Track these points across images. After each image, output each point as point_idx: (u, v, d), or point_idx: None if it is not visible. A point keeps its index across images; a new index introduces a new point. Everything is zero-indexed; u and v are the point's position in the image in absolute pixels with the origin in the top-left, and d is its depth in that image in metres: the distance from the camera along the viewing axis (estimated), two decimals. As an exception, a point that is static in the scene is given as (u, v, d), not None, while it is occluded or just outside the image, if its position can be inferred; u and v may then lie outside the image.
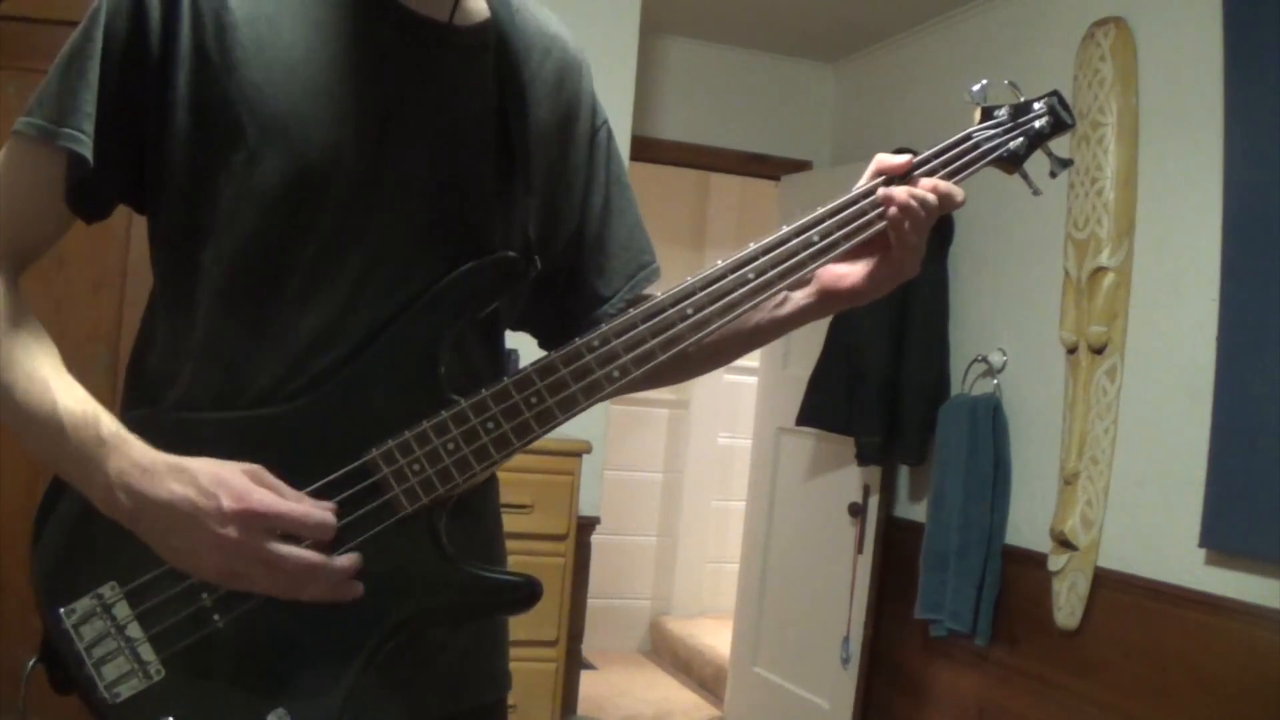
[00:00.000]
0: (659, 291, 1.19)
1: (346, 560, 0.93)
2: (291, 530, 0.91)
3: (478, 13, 1.05)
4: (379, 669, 0.97)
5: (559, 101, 1.11)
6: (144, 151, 0.96)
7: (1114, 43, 2.84)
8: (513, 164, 1.04)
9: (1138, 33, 2.82)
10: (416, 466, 0.96)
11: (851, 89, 4.27)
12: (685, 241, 5.53)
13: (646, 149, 4.03)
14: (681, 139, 4.20)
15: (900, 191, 1.02)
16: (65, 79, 0.93)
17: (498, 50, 1.05)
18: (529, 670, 2.89)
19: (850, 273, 1.06)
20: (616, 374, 0.99)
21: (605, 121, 1.17)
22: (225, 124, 0.94)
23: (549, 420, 0.98)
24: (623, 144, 3.39)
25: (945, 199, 1.04)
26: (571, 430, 3.10)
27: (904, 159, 1.06)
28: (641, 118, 3.84)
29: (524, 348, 1.25)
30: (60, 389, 0.92)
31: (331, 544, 0.94)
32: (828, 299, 1.08)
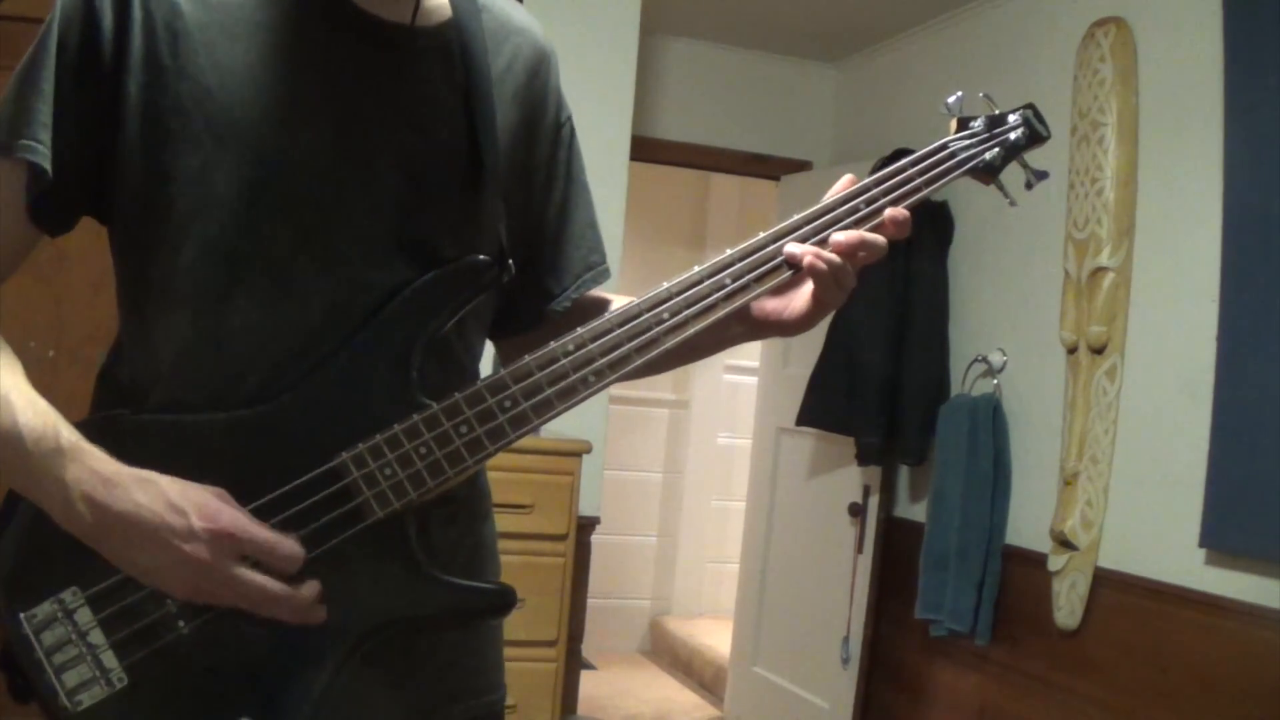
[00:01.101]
0: (610, 294, 1.20)
1: (310, 590, 0.92)
2: (259, 557, 0.90)
3: (439, 13, 1.04)
4: (356, 678, 0.96)
5: (526, 97, 1.10)
6: (103, 162, 0.95)
7: (1114, 43, 2.84)
8: (480, 166, 1.04)
9: (1138, 33, 2.83)
10: (388, 470, 0.94)
11: (851, 89, 4.27)
12: (685, 241, 5.53)
13: (646, 149, 4.02)
14: (681, 139, 4.20)
15: (807, 255, 1.00)
16: (20, 92, 0.93)
17: (462, 51, 1.04)
18: (529, 670, 2.89)
19: (781, 307, 1.05)
20: (592, 379, 0.98)
21: (569, 118, 1.17)
22: (179, 130, 0.93)
23: (523, 424, 0.97)
24: (622, 144, 3.39)
25: (871, 249, 1.02)
26: (571, 430, 3.11)
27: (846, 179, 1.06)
28: (641, 118, 3.83)
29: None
30: (18, 402, 0.90)
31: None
32: (759, 328, 1.07)
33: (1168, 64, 2.74)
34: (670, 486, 5.57)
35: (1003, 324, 3.29)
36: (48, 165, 0.92)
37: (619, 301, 1.15)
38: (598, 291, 1.19)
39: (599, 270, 1.19)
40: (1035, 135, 1.11)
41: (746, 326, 1.07)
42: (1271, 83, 2.41)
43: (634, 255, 4.91)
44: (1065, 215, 2.93)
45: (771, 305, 1.04)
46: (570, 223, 1.17)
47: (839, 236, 1.01)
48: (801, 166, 4.32)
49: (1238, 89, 2.51)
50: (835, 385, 3.59)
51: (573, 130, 1.17)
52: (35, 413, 0.90)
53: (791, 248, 1.01)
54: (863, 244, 1.01)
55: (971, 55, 3.55)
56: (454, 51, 1.04)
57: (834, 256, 1.00)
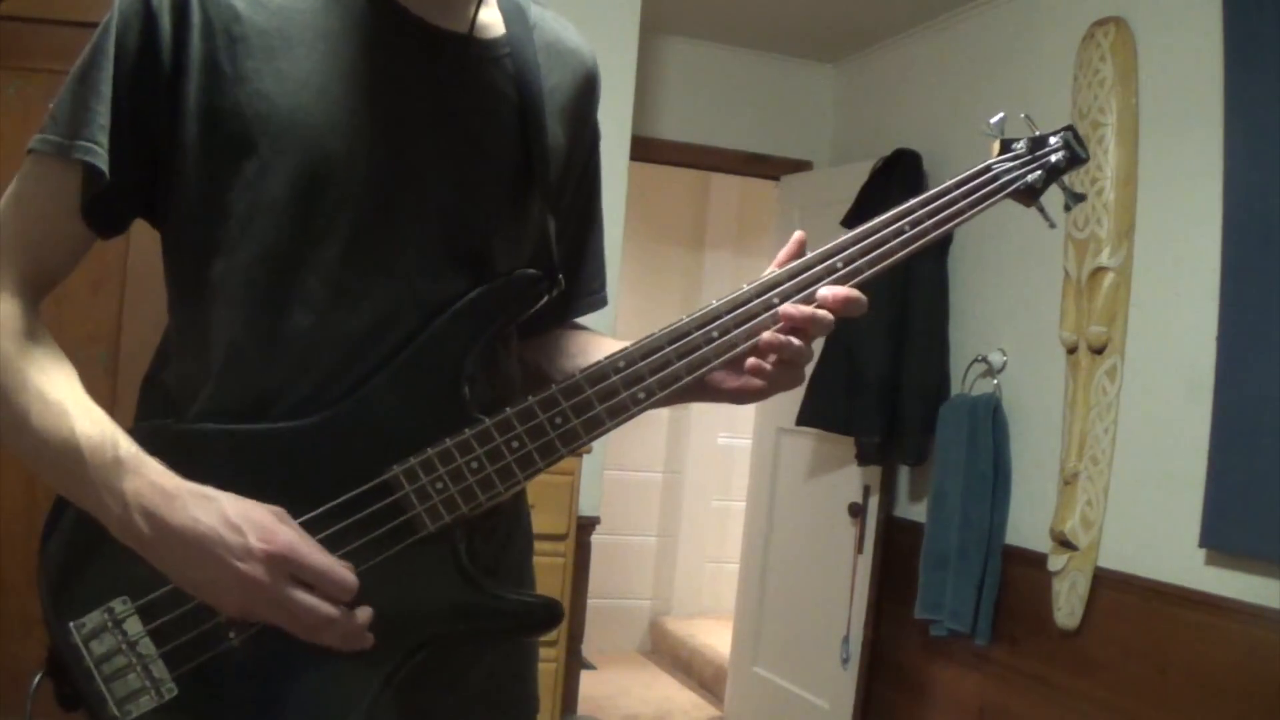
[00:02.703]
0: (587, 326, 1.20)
1: (364, 615, 0.91)
2: (313, 582, 0.89)
3: (493, 27, 1.05)
4: (402, 691, 0.96)
5: (571, 117, 1.11)
6: (157, 165, 0.95)
7: (1114, 43, 2.84)
8: (531, 179, 1.04)
9: (1138, 33, 2.83)
10: (439, 484, 0.95)
11: (851, 89, 4.27)
12: (685, 241, 5.53)
13: (646, 149, 4.02)
14: (681, 139, 4.20)
15: (791, 309, 0.98)
16: (78, 94, 0.93)
17: (515, 66, 1.04)
18: (529, 670, 2.89)
19: (728, 379, 1.02)
20: (642, 395, 0.98)
21: (599, 136, 1.18)
22: (237, 134, 0.93)
23: (573, 440, 0.97)
24: (623, 144, 3.39)
25: (848, 305, 1.00)
26: (571, 430, 3.10)
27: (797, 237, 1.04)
28: (641, 118, 3.84)
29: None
30: (76, 412, 0.90)
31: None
32: (704, 391, 1.03)
33: (1168, 64, 2.74)
34: (670, 486, 5.57)
35: (1003, 324, 3.29)
36: (105, 167, 0.92)
37: (595, 335, 1.16)
38: (583, 321, 1.19)
39: (595, 298, 1.19)
40: (1075, 157, 1.10)
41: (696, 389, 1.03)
42: (1271, 83, 2.41)
43: (634, 255, 4.91)
44: (1065, 215, 2.93)
45: (720, 375, 1.01)
46: (584, 244, 1.18)
47: (825, 292, 0.99)
48: (801, 166, 4.32)
49: (1238, 89, 2.51)
50: (835, 385, 3.59)
51: (599, 150, 1.18)
52: (92, 422, 0.90)
53: (787, 307, 0.99)
54: (850, 301, 1.00)
55: (971, 55, 3.55)
56: (508, 66, 1.04)
57: (819, 312, 0.98)
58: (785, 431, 4.10)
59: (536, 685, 1.15)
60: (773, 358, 0.99)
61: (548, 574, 2.92)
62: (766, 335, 0.99)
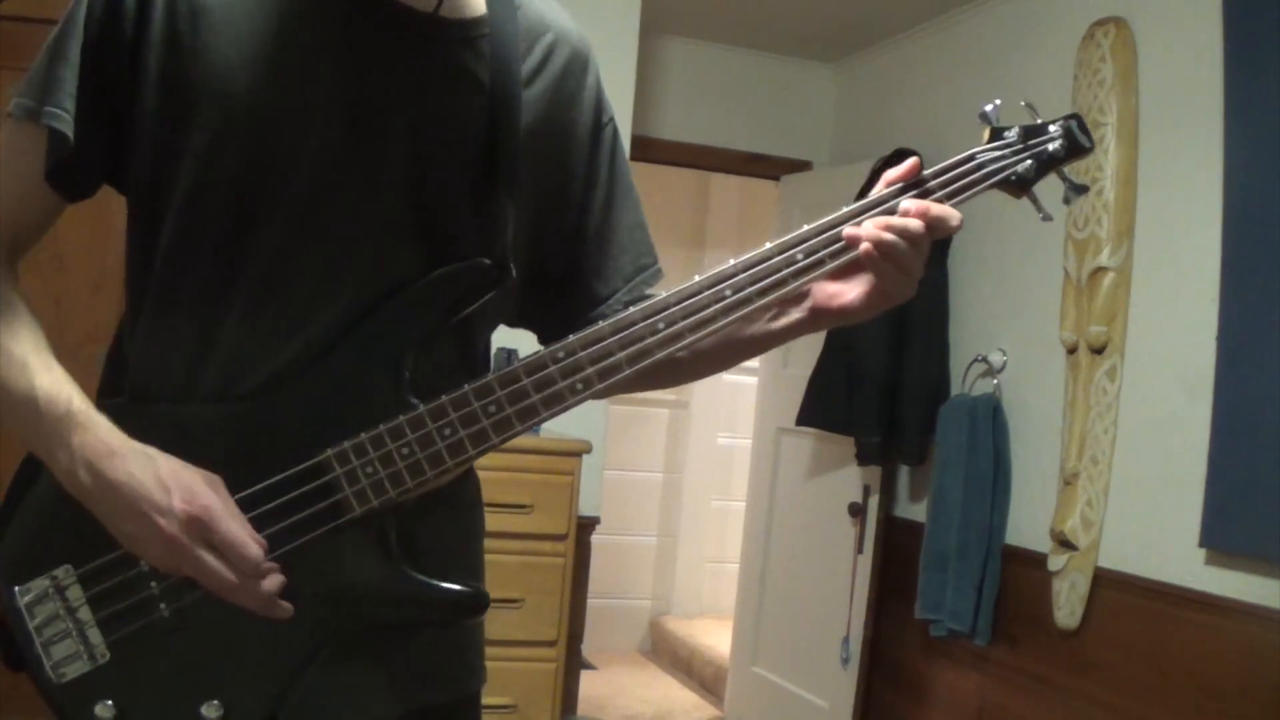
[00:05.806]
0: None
1: (270, 583, 0.93)
2: (220, 549, 0.92)
3: (471, 7, 1.04)
4: (329, 667, 0.97)
5: (556, 98, 1.09)
6: (122, 132, 0.97)
7: (1114, 43, 2.84)
8: (497, 165, 1.03)
9: (1138, 33, 2.83)
10: (370, 469, 0.96)
11: (851, 89, 4.27)
12: (685, 241, 5.53)
13: (646, 149, 4.03)
14: (681, 139, 4.20)
15: (866, 229, 0.97)
16: (50, 62, 0.96)
17: (493, 46, 1.03)
18: (529, 670, 2.89)
19: (843, 291, 1.03)
20: (580, 386, 0.98)
21: (612, 119, 1.15)
22: (192, 105, 0.95)
23: (507, 429, 0.97)
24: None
25: (937, 224, 0.99)
26: (571, 430, 3.11)
27: (911, 162, 1.02)
28: (641, 118, 3.84)
29: (523, 345, 1.24)
30: (37, 367, 0.93)
31: (274, 543, 0.95)
32: (819, 316, 1.05)
33: (1168, 64, 2.74)
34: (670, 486, 5.57)
35: (1003, 324, 3.29)
36: (70, 132, 0.94)
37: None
38: (654, 291, 1.16)
39: (651, 272, 1.17)
40: (1076, 147, 1.04)
41: (807, 316, 1.05)
42: (1271, 83, 2.41)
43: (634, 255, 4.90)
44: (1065, 215, 2.93)
45: (833, 287, 1.03)
46: (615, 225, 1.15)
47: (909, 204, 0.99)
48: (801, 166, 4.32)
49: (1238, 89, 2.51)
50: (835, 385, 3.59)
51: (615, 132, 1.15)
52: (51, 379, 0.93)
53: (850, 231, 0.99)
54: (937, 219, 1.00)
55: (971, 55, 3.55)
56: (484, 48, 1.03)
57: (885, 236, 0.98)
58: (785, 431, 4.10)
59: (480, 658, 1.15)
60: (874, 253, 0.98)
61: (548, 574, 2.92)
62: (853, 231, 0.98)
